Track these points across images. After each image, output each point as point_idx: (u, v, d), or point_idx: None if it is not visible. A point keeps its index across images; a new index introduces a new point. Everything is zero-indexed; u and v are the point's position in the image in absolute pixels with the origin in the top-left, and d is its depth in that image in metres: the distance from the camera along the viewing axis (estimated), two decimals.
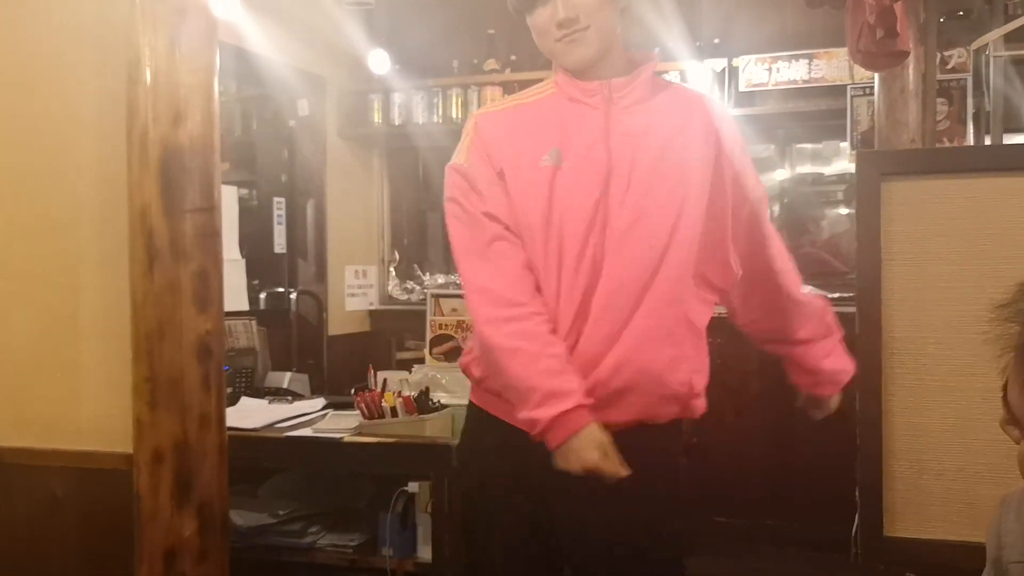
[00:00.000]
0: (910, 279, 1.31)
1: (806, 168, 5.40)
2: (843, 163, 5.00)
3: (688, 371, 1.67)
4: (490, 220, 1.65)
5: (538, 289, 1.64)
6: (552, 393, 1.53)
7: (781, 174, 5.22)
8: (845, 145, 4.51)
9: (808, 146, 5.33)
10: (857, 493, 1.45)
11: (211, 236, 1.89)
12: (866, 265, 1.32)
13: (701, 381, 1.70)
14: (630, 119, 1.67)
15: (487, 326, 1.62)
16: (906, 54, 2.32)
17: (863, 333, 1.32)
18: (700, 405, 1.72)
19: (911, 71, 3.07)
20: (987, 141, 3.96)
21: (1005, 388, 0.94)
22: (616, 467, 1.52)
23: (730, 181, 1.70)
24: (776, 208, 5.20)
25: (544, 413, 1.52)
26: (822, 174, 5.22)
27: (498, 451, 1.73)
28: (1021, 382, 0.91)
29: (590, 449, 1.51)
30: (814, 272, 4.80)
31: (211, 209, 1.89)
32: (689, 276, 1.67)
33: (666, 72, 4.68)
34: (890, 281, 1.31)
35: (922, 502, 1.33)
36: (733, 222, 1.72)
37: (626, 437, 1.59)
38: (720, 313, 4.69)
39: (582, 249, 1.62)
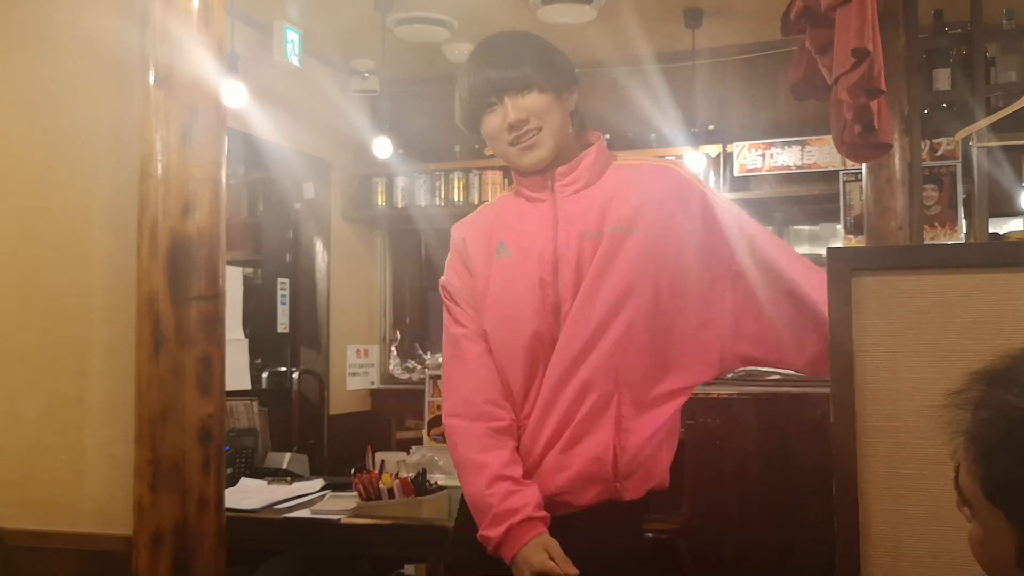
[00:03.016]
0: (881, 370, 1.36)
1: (804, 249, 5.48)
2: (840, 245, 5.09)
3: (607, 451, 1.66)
4: (463, 331, 1.74)
5: (507, 392, 1.70)
6: (503, 513, 1.61)
7: None
8: (841, 228, 4.60)
9: (805, 228, 5.43)
10: None
11: (215, 322, 1.95)
12: (838, 356, 1.37)
13: (628, 461, 1.67)
14: (575, 204, 1.71)
15: (454, 433, 1.71)
16: (889, 147, 2.41)
17: (837, 421, 1.37)
18: (629, 487, 1.68)
19: (897, 160, 3.16)
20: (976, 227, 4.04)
21: (956, 471, 0.99)
22: (563, 567, 1.57)
23: (697, 242, 1.69)
24: None
25: (495, 532, 1.61)
26: (820, 256, 5.29)
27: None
28: (968, 466, 0.96)
29: (537, 553, 1.58)
30: None
31: (216, 296, 1.95)
32: (634, 353, 1.66)
33: (661, 158, 4.82)
34: (863, 372, 1.36)
35: None
36: (723, 279, 1.70)
37: (594, 515, 1.65)
38: (716, 394, 4.68)
39: (536, 339, 1.67)
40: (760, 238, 1.74)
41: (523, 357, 1.70)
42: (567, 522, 1.65)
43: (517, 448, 1.69)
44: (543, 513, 1.63)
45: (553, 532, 1.62)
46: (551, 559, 1.58)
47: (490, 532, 1.62)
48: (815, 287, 1.65)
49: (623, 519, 1.70)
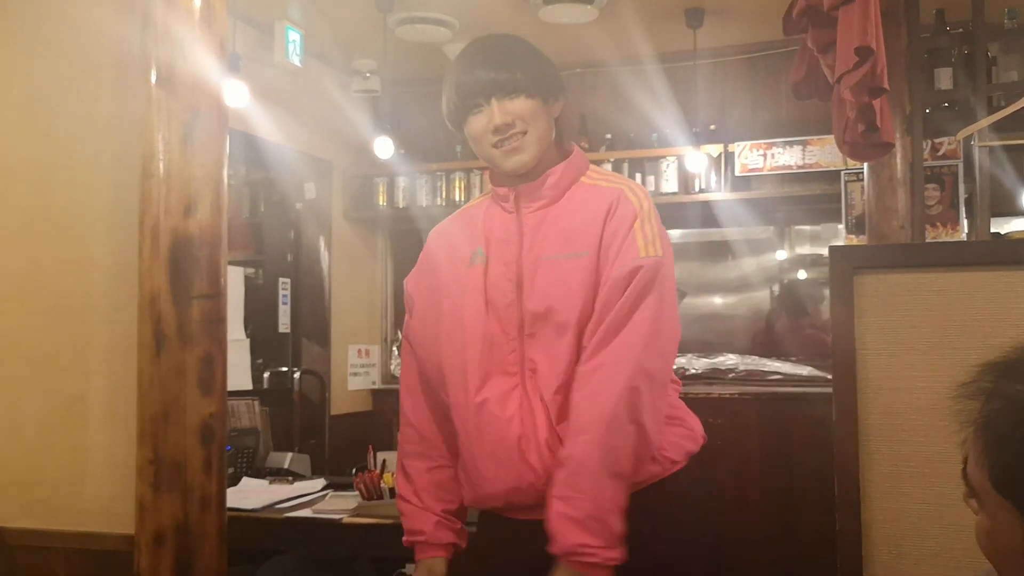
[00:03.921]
0: (883, 368, 1.36)
1: (805, 249, 5.49)
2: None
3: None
4: (407, 337, 1.85)
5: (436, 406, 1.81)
6: (411, 530, 1.80)
7: (781, 255, 5.30)
8: (843, 227, 4.60)
9: (807, 228, 5.43)
10: None
11: (217, 322, 1.95)
12: (841, 355, 1.37)
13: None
14: (539, 222, 1.72)
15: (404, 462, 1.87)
16: (891, 146, 2.41)
17: (839, 419, 1.37)
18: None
19: (899, 160, 3.17)
20: (977, 226, 4.04)
21: (965, 462, 0.99)
22: None
23: (606, 268, 1.67)
24: (777, 288, 5.28)
25: (406, 539, 1.82)
26: (821, 256, 5.30)
27: (495, 542, 1.76)
28: (978, 456, 0.95)
29: (421, 573, 1.78)
30: (814, 352, 4.86)
31: (217, 296, 1.95)
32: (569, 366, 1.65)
33: (663, 157, 4.82)
34: (864, 370, 1.36)
35: None
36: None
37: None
38: (717, 394, 4.68)
39: (506, 349, 1.67)
40: (609, 324, 1.63)
41: (474, 365, 1.69)
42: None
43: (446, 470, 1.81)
44: (445, 539, 1.78)
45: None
46: None
47: (405, 539, 1.82)
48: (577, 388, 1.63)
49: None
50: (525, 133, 1.69)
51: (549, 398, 1.65)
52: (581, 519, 1.53)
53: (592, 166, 1.81)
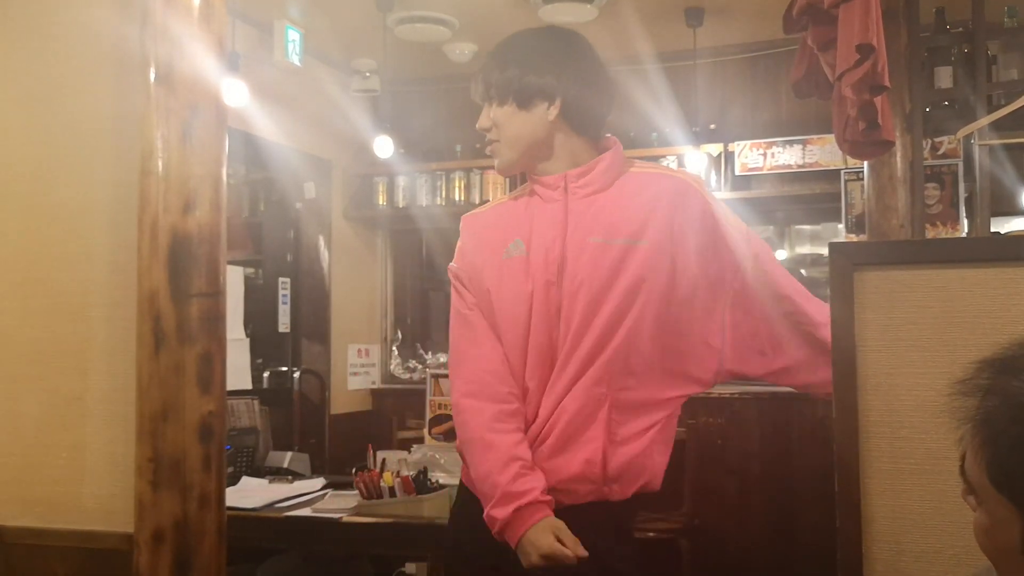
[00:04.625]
0: (883, 365, 1.36)
1: (805, 249, 5.49)
2: None
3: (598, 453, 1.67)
4: (475, 314, 1.78)
5: (512, 380, 1.72)
6: (511, 494, 1.62)
7: (781, 255, 5.30)
8: (842, 227, 4.60)
9: (807, 227, 5.43)
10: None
11: (216, 320, 1.95)
12: (841, 352, 1.37)
13: (617, 465, 1.68)
14: (587, 208, 1.74)
15: (466, 412, 1.72)
16: (891, 144, 2.41)
17: (839, 418, 1.36)
18: (617, 489, 1.69)
19: (899, 159, 3.16)
20: (977, 225, 4.04)
21: (963, 459, 0.99)
22: (574, 549, 1.58)
23: (704, 258, 1.71)
24: None
25: (502, 512, 1.62)
26: (821, 255, 5.31)
27: (485, 532, 1.76)
28: (975, 453, 0.95)
29: (545, 535, 1.59)
30: None
31: (217, 294, 1.95)
32: (632, 358, 1.68)
33: (663, 157, 4.81)
34: (864, 367, 1.36)
35: None
36: (725, 295, 1.73)
37: (582, 514, 1.65)
38: (717, 393, 4.69)
39: (540, 335, 1.69)
40: (764, 257, 1.78)
41: (523, 355, 1.72)
42: (580, 512, 1.66)
43: (524, 433, 1.70)
44: (549, 498, 1.64)
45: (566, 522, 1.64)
46: (559, 541, 1.58)
47: (496, 512, 1.63)
48: (815, 312, 1.70)
49: (610, 519, 1.71)
50: (498, 141, 1.78)
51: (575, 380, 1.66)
52: None
53: (635, 160, 1.85)
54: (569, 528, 1.63)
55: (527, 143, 1.77)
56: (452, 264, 1.87)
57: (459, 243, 1.87)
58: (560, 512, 1.66)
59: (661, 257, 1.69)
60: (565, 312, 1.69)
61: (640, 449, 1.69)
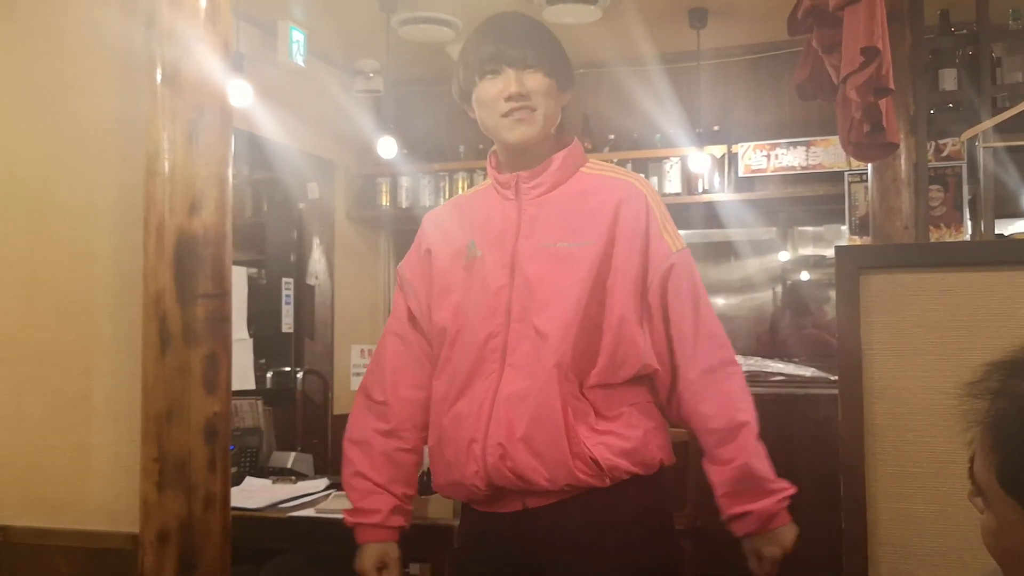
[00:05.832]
0: (889, 368, 1.36)
1: (808, 250, 5.49)
2: None
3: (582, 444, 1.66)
4: (399, 317, 1.85)
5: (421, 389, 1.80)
6: (360, 510, 1.81)
7: (784, 256, 5.30)
8: (846, 228, 4.60)
9: (810, 229, 5.42)
10: None
11: (221, 321, 1.95)
12: (847, 355, 1.37)
13: (607, 452, 1.67)
14: (538, 209, 1.73)
15: (357, 407, 1.87)
16: (895, 146, 2.41)
17: (845, 419, 1.36)
18: (619, 466, 1.67)
19: (903, 161, 3.16)
20: (981, 227, 4.04)
21: (972, 461, 0.99)
22: None
23: (626, 261, 1.69)
24: (780, 289, 5.27)
25: (350, 519, 1.83)
26: (824, 256, 5.30)
27: (475, 536, 1.77)
28: (984, 455, 0.96)
29: (366, 559, 1.78)
30: (817, 353, 4.85)
31: (222, 295, 1.95)
32: (580, 360, 1.67)
33: (666, 158, 4.81)
34: (870, 370, 1.36)
35: None
36: (642, 300, 1.71)
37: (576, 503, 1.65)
38: None
39: (489, 337, 1.69)
40: (672, 285, 1.70)
41: (476, 356, 1.71)
42: (552, 511, 1.66)
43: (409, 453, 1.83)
44: (397, 523, 1.79)
45: (539, 523, 1.66)
46: (379, 569, 1.76)
47: (347, 516, 1.83)
48: (685, 367, 1.69)
49: (603, 509, 1.69)
50: (535, 109, 1.70)
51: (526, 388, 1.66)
52: None
53: (590, 158, 1.83)
54: (556, 522, 1.65)
55: (553, 123, 1.75)
56: (400, 265, 1.90)
57: (415, 239, 1.88)
58: (545, 510, 1.66)
59: (604, 259, 1.68)
60: (516, 313, 1.69)
61: (609, 436, 1.67)
